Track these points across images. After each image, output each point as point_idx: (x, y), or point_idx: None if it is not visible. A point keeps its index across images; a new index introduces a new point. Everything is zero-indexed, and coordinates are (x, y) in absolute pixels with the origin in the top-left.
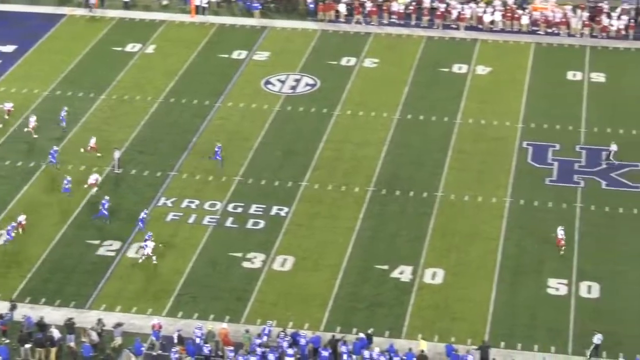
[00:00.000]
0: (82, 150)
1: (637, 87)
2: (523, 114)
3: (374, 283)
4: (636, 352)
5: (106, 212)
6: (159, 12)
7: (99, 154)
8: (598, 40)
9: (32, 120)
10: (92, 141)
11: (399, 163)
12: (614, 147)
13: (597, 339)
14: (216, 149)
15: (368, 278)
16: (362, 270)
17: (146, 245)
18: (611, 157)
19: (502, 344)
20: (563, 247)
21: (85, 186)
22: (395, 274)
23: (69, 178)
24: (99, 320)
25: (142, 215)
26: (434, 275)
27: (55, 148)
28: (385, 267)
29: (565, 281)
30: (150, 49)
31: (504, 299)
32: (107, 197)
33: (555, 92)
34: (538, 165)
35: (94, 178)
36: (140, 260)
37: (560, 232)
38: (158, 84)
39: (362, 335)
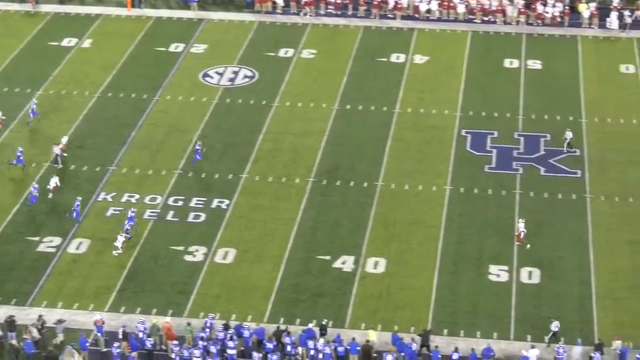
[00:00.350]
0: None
1: (572, 74)
2: (461, 102)
3: (316, 274)
4: (576, 336)
5: (78, 213)
6: (95, 5)
7: (65, 154)
8: (534, 27)
9: None
10: (64, 140)
11: (339, 153)
12: (569, 134)
13: (555, 326)
14: (196, 148)
15: (310, 269)
16: (304, 261)
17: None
18: (570, 144)
19: (445, 331)
20: (524, 243)
21: (50, 196)
22: (337, 264)
23: (36, 185)
24: (40, 317)
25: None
26: (375, 265)
27: (20, 149)
28: (327, 257)
29: (506, 267)
30: (86, 43)
31: (446, 287)
32: (79, 198)
33: (493, 80)
34: (477, 153)
35: (54, 182)
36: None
37: (520, 226)
38: (95, 79)
39: (311, 325)
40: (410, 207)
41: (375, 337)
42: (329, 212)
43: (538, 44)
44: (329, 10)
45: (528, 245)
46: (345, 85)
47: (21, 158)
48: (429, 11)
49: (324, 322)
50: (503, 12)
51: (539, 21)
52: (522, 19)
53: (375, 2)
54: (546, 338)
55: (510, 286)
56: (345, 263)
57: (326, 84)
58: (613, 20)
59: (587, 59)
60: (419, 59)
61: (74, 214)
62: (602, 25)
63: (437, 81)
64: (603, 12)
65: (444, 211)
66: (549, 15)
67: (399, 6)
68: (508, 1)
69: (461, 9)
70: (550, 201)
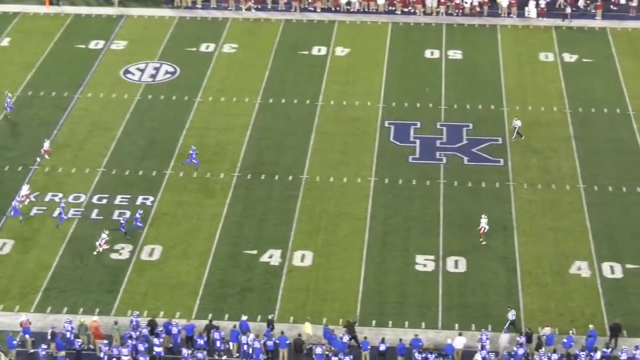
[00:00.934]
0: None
1: (492, 63)
2: (383, 93)
3: (243, 268)
4: (503, 323)
5: (64, 217)
6: (12, 3)
7: (47, 157)
8: (453, 18)
9: None
10: (46, 144)
11: (263, 147)
12: (517, 123)
13: (512, 314)
14: (190, 152)
15: (237, 263)
16: (231, 256)
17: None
18: (518, 132)
19: (373, 322)
20: (483, 238)
21: (26, 202)
22: (264, 258)
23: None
24: None
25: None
26: (302, 258)
27: None
28: (254, 251)
29: (432, 257)
30: (5, 41)
31: (373, 278)
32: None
33: (414, 70)
34: (400, 144)
35: (26, 189)
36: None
37: (483, 221)
38: (15, 77)
39: (244, 318)
40: (335, 199)
41: (310, 329)
42: (254, 207)
43: (458, 34)
44: (249, 5)
45: (483, 242)
46: (267, 79)
47: None
48: (349, 3)
49: (270, 317)
50: (423, 2)
51: (459, 11)
52: (442, 9)
53: None
54: (504, 328)
55: (436, 275)
56: (273, 257)
57: (248, 78)
58: (531, 9)
59: (506, 48)
60: (341, 51)
61: (60, 220)
62: (521, 15)
63: (359, 73)
64: (521, 1)
65: (369, 202)
66: (467, 5)
67: None
68: None
69: (381, 0)
70: (475, 190)
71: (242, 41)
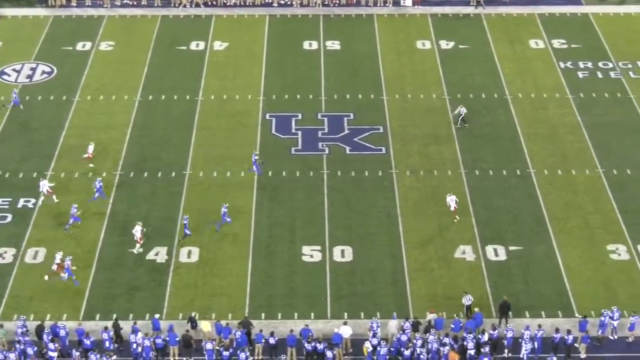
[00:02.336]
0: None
1: (370, 53)
2: (263, 86)
3: (130, 267)
4: (392, 310)
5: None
6: None
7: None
8: (330, 8)
9: None
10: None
11: (144, 144)
12: (463, 110)
13: (467, 299)
14: (253, 159)
15: (123, 262)
16: (117, 255)
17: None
18: (464, 119)
19: (263, 315)
20: (455, 216)
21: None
22: (150, 255)
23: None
24: None
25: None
26: (189, 254)
27: None
28: (140, 249)
29: (318, 247)
30: None
31: (261, 271)
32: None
33: (293, 62)
34: (283, 136)
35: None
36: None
37: (449, 200)
38: None
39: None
40: (220, 194)
41: (209, 327)
42: (139, 204)
43: (335, 25)
44: (125, 2)
45: (457, 218)
46: (146, 75)
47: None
48: None
49: (192, 315)
50: None
51: (335, 2)
52: (319, 0)
53: None
54: (461, 314)
55: (324, 266)
56: (159, 254)
57: (127, 76)
58: None
59: (384, 37)
60: (219, 45)
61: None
62: (397, 3)
63: (238, 67)
64: None
65: (254, 196)
66: None
67: None
68: None
69: None
70: (358, 179)
71: (119, 38)
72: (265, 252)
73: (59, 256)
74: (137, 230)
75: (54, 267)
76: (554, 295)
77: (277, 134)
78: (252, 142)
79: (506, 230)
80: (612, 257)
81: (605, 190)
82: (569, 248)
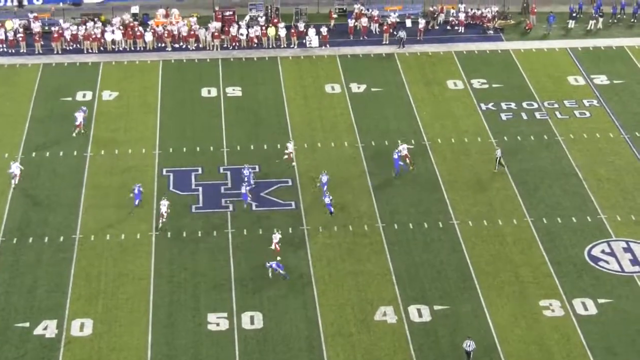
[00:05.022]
0: None
1: (275, 99)
2: (159, 138)
3: (15, 343)
4: None
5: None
6: None
7: None
8: (229, 51)
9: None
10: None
11: (28, 206)
12: (498, 152)
13: (468, 345)
14: (322, 183)
15: (8, 338)
16: (1, 331)
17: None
18: (500, 162)
19: None
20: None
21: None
22: (38, 330)
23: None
24: None
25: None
26: (82, 327)
27: None
28: (27, 324)
29: (225, 314)
30: None
31: (163, 342)
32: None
33: (191, 111)
34: (182, 193)
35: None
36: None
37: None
38: None
39: None
40: (114, 259)
41: None
42: (23, 274)
43: (236, 69)
44: (2, 50)
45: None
46: (28, 130)
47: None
48: (114, 42)
49: None
50: (195, 37)
51: (235, 44)
52: (217, 42)
53: (55, 35)
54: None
55: (232, 334)
56: (47, 328)
57: (7, 131)
58: (312, 37)
59: (289, 81)
60: (108, 95)
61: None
62: (302, 44)
63: (130, 118)
64: (304, 29)
65: (151, 259)
66: (244, 38)
67: (87, 36)
68: (199, 25)
69: (149, 37)
70: (266, 238)
71: None
72: (166, 322)
73: None
74: (164, 205)
75: None
76: (484, 358)
77: (175, 190)
78: (148, 200)
79: (430, 288)
80: (546, 314)
81: (535, 240)
82: (498, 305)
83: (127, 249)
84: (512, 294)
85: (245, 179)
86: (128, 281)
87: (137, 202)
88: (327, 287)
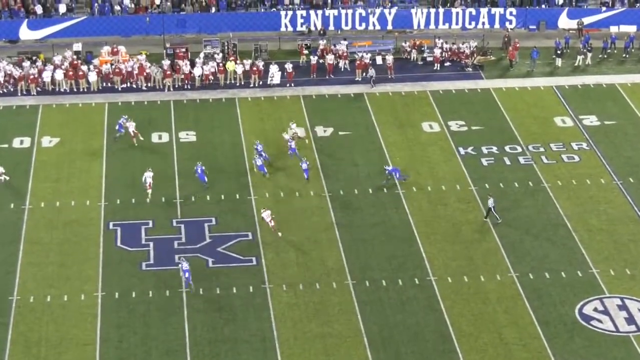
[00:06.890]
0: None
1: (233, 144)
2: (105, 189)
3: None
4: None
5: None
6: None
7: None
8: (183, 92)
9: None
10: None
11: None
12: (490, 201)
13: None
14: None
15: None
16: None
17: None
18: (494, 212)
19: None
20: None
21: None
22: None
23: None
24: None
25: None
26: None
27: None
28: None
29: None
30: None
31: None
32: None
33: (141, 158)
34: (131, 249)
35: None
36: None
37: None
38: None
39: None
40: (56, 323)
41: None
42: None
43: (190, 112)
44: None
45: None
46: None
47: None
48: (54, 82)
49: None
50: (146, 76)
51: (188, 83)
52: (168, 82)
53: None
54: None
55: None
56: None
57: None
58: (275, 73)
59: (249, 125)
60: (48, 141)
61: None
62: (264, 84)
63: (73, 166)
64: (264, 67)
65: (97, 323)
66: (198, 76)
67: (22, 77)
68: (148, 62)
69: (93, 77)
70: (224, 297)
71: None
72: None
73: None
74: (149, 176)
75: None
76: None
77: (123, 246)
78: (93, 257)
79: (406, 352)
80: None
81: (521, 298)
82: None
83: (70, 311)
84: (496, 358)
85: (258, 153)
86: (72, 347)
87: (205, 181)
88: (292, 351)
